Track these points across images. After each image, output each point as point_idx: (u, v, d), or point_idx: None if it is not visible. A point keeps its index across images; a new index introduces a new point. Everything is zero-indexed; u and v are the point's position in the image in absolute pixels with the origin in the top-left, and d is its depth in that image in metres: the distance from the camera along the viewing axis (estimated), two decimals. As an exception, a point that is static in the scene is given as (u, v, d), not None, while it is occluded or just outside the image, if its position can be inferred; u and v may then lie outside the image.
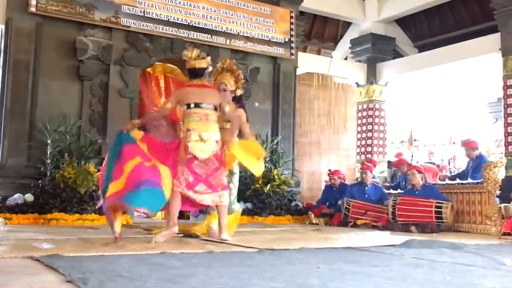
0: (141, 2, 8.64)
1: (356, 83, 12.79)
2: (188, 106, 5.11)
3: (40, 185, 7.42)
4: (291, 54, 10.08)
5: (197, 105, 5.09)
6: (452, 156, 12.00)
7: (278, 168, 9.21)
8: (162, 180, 4.91)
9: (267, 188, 8.84)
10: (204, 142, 5.00)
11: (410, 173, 7.62)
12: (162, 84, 9.61)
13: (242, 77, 5.91)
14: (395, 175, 10.91)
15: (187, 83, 5.39)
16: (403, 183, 8.80)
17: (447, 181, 8.00)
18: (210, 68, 5.34)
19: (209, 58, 5.34)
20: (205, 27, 9.16)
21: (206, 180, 5.09)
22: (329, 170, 9.45)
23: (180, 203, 5.08)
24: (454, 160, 11.75)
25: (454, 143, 12.63)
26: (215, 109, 5.19)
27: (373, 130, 12.40)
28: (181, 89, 5.40)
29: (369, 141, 12.38)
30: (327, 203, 8.95)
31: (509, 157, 8.99)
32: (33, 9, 7.86)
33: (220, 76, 5.77)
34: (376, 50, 12.37)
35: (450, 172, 10.65)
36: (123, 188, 4.77)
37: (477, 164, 7.70)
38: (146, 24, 8.66)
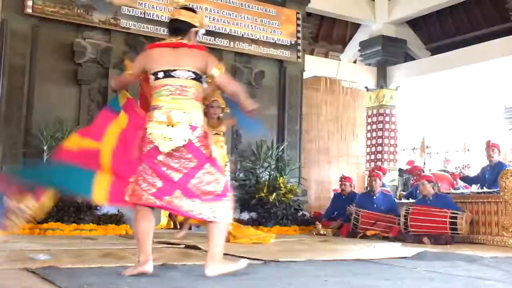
0: (141, 3, 8.50)
1: (366, 87, 12.67)
2: (156, 75, 3.47)
3: (35, 193, 7.20)
4: (298, 57, 9.91)
5: (167, 74, 3.45)
6: (466, 164, 11.72)
7: (284, 176, 9.04)
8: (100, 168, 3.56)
9: (273, 197, 8.65)
10: (172, 126, 3.36)
11: (420, 183, 7.47)
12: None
13: None
14: (407, 183, 10.66)
15: (157, 43, 3.71)
16: (416, 192, 8.56)
17: (462, 190, 7.78)
18: (202, 31, 3.71)
19: (202, 16, 3.79)
20: (208, 29, 8.90)
21: (183, 187, 3.39)
22: (342, 175, 9.28)
23: (150, 222, 3.44)
24: (468, 168, 11.46)
25: (468, 150, 12.38)
26: (197, 78, 3.51)
27: (384, 137, 12.25)
28: (148, 51, 3.61)
29: (379, 148, 12.20)
30: (335, 213, 8.79)
31: (527, 165, 8.70)
32: (29, 11, 7.73)
33: (212, 93, 5.49)
34: (387, 53, 12.26)
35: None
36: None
37: (497, 172, 7.42)
38: (146, 26, 8.52)
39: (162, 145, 3.34)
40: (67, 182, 3.51)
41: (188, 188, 3.37)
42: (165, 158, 3.37)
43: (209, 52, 3.63)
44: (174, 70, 3.44)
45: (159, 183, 3.37)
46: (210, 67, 3.52)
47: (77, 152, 3.59)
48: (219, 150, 5.91)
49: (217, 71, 3.53)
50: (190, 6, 3.76)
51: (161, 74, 3.44)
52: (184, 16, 3.60)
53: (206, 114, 5.91)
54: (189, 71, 3.46)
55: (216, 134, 6.05)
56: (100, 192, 3.47)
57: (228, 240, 5.32)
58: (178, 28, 3.57)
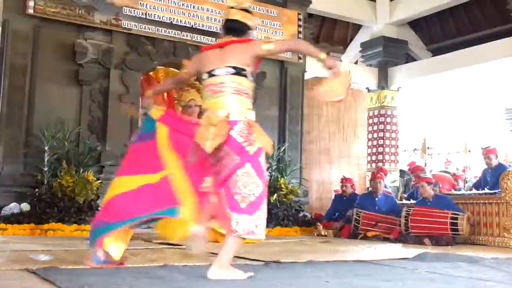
0: (143, 4, 8.48)
1: (367, 88, 12.64)
2: (203, 77, 3.51)
3: (36, 194, 7.25)
4: (299, 58, 9.89)
5: (210, 74, 3.43)
6: (467, 165, 11.69)
7: (285, 177, 9.05)
8: (178, 197, 3.49)
9: (274, 198, 8.66)
10: (214, 125, 3.27)
11: (420, 185, 7.45)
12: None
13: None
14: (408, 184, 10.64)
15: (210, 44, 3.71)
16: (417, 193, 8.54)
17: (463, 191, 7.77)
18: (253, 33, 3.64)
19: (254, 17, 3.68)
20: (209, 29, 8.97)
21: (223, 184, 3.32)
22: (343, 176, 9.24)
23: None
24: (468, 169, 11.44)
25: (469, 151, 12.34)
26: (237, 72, 3.39)
27: (385, 138, 12.22)
28: (202, 53, 3.61)
29: (380, 149, 12.17)
30: (336, 214, 8.75)
31: (528, 166, 8.69)
32: (30, 11, 7.72)
33: (187, 93, 5.55)
34: (388, 54, 12.23)
35: (466, 181, 10.35)
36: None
37: (499, 174, 7.41)
38: (148, 27, 8.50)
39: (205, 145, 3.26)
40: None
41: (227, 186, 3.27)
42: (213, 158, 3.33)
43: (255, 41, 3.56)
44: (215, 69, 3.41)
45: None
46: (258, 49, 3.45)
47: (139, 191, 3.53)
48: None
49: (268, 45, 3.46)
50: (249, 7, 3.68)
51: (205, 76, 3.46)
52: (245, 17, 3.56)
53: (184, 114, 5.99)
54: (227, 67, 3.39)
55: None
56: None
57: (216, 241, 5.28)
58: (235, 28, 3.52)
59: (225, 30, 3.56)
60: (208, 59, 3.47)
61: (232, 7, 3.56)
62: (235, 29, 3.51)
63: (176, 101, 6.12)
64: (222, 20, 3.64)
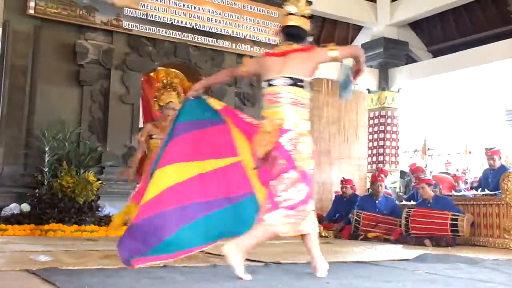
0: (144, 4, 8.49)
1: (368, 89, 12.61)
2: (263, 85, 3.55)
3: (37, 194, 7.27)
4: (300, 58, 9.78)
5: (269, 84, 3.46)
6: (466, 166, 11.68)
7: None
8: (252, 184, 3.55)
9: (274, 199, 8.54)
10: (269, 133, 3.36)
11: (420, 187, 7.40)
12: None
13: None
14: (409, 185, 10.62)
15: (270, 51, 3.67)
16: (417, 194, 8.52)
17: (463, 193, 7.74)
18: (310, 38, 3.65)
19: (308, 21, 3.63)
20: (210, 30, 8.97)
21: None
22: (343, 178, 9.21)
23: None
24: (468, 171, 11.43)
25: (470, 152, 12.33)
26: (294, 83, 3.42)
27: (385, 139, 12.19)
28: (263, 58, 3.64)
29: (381, 150, 12.14)
30: (336, 215, 8.72)
31: (528, 167, 8.66)
32: (31, 12, 7.76)
33: (167, 94, 5.63)
34: (389, 55, 12.19)
35: (466, 183, 10.33)
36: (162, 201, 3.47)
37: (501, 175, 7.41)
38: (148, 28, 8.52)
39: (257, 151, 3.38)
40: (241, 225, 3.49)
41: (272, 186, 3.34)
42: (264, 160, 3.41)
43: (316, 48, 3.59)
44: (273, 79, 3.45)
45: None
46: (323, 57, 3.50)
47: (220, 173, 3.59)
48: None
49: (334, 52, 3.49)
50: (308, 14, 3.66)
51: (265, 84, 3.50)
52: (305, 24, 3.58)
53: (160, 116, 6.17)
54: (285, 77, 3.42)
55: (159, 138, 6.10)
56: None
57: None
58: (298, 34, 3.55)
59: (285, 36, 3.58)
60: (268, 66, 3.51)
61: (292, 13, 3.58)
62: (297, 35, 3.54)
63: (155, 99, 6.11)
64: (280, 25, 3.65)
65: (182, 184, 3.55)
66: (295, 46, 3.49)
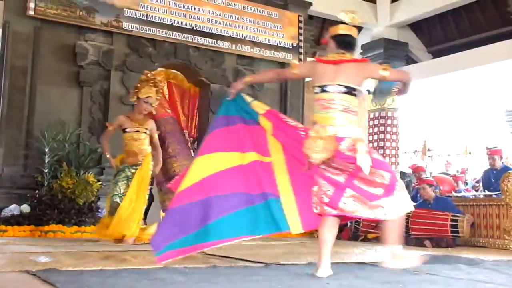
0: (144, 5, 8.47)
1: (367, 90, 12.56)
2: (315, 90, 3.71)
3: (37, 195, 7.24)
4: (300, 59, 9.85)
5: (322, 89, 3.61)
6: (466, 167, 11.65)
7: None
8: (278, 187, 3.63)
9: (274, 200, 8.53)
10: (322, 139, 3.48)
11: (421, 187, 7.39)
12: (166, 91, 9.40)
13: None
14: (409, 186, 10.60)
15: (323, 58, 3.81)
16: (418, 195, 8.50)
17: (463, 193, 7.73)
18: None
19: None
20: (210, 31, 8.95)
21: (351, 185, 3.55)
22: None
23: (331, 230, 3.59)
24: (467, 172, 11.40)
25: (470, 153, 12.31)
26: (348, 91, 3.58)
27: (385, 139, 12.19)
28: (315, 64, 3.80)
29: (381, 151, 12.14)
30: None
31: (528, 168, 8.65)
32: (31, 13, 7.72)
33: (147, 88, 5.93)
34: (388, 56, 12.20)
35: (466, 183, 10.33)
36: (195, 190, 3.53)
37: None
38: (148, 28, 8.49)
39: (312, 157, 3.44)
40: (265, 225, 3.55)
41: (356, 185, 3.49)
42: (325, 167, 3.51)
43: (369, 62, 3.93)
44: (327, 85, 3.59)
45: (330, 190, 3.51)
46: (374, 73, 3.70)
47: (258, 167, 3.69)
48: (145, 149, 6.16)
49: (385, 72, 3.66)
50: (359, 24, 3.86)
51: (318, 89, 3.64)
52: (355, 34, 3.74)
53: (135, 108, 6.26)
54: (340, 85, 3.56)
55: (138, 132, 6.15)
56: (294, 221, 3.58)
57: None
58: (350, 43, 3.69)
59: (337, 44, 3.70)
60: (321, 72, 3.65)
61: (345, 23, 3.73)
62: (349, 44, 3.69)
63: (135, 90, 6.11)
64: (331, 33, 3.76)
65: (224, 172, 3.65)
66: (348, 55, 3.66)
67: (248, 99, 4.01)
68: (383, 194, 3.50)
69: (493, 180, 7.75)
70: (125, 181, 6.09)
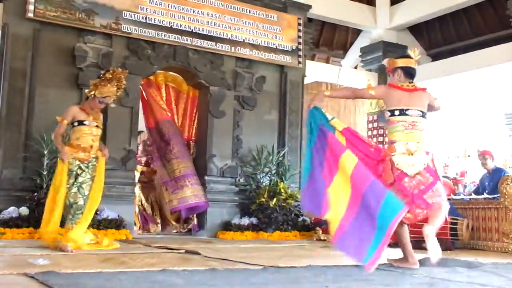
0: (143, 8, 8.45)
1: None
2: (392, 112, 4.57)
3: (35, 198, 7.20)
4: (299, 62, 9.83)
5: (402, 112, 4.52)
6: (465, 170, 11.64)
7: (285, 181, 9.00)
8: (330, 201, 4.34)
9: (273, 202, 8.60)
10: (412, 154, 4.43)
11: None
12: (163, 94, 9.43)
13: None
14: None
15: (395, 84, 4.69)
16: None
17: (462, 196, 7.74)
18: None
19: None
20: (209, 34, 8.94)
21: (420, 197, 4.43)
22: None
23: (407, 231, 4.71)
24: (466, 174, 11.39)
25: (469, 156, 12.30)
26: (423, 115, 4.61)
27: (384, 142, 12.12)
28: (389, 89, 4.68)
29: (380, 153, 12.08)
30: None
31: (527, 171, 8.67)
32: (30, 15, 7.69)
33: (109, 88, 5.79)
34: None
35: (465, 186, 10.32)
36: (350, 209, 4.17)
37: (498, 178, 7.41)
38: (148, 31, 8.47)
39: (408, 170, 4.43)
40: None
41: (424, 198, 4.44)
42: (410, 180, 4.43)
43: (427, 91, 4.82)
44: (408, 109, 4.55)
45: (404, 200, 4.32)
46: (433, 102, 4.78)
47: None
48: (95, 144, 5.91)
49: (437, 101, 4.82)
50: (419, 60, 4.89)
51: (397, 112, 4.55)
52: (415, 64, 4.78)
53: (88, 101, 5.95)
54: (418, 110, 4.58)
55: (96, 127, 5.96)
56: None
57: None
58: (414, 74, 4.78)
59: (405, 74, 4.71)
60: (397, 98, 4.60)
61: (412, 58, 4.77)
62: (414, 75, 4.77)
63: (94, 85, 5.83)
64: (399, 64, 4.71)
65: (356, 168, 4.31)
66: (413, 84, 4.72)
67: (329, 116, 4.76)
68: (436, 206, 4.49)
69: (486, 183, 7.76)
70: (90, 182, 5.80)
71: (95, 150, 5.89)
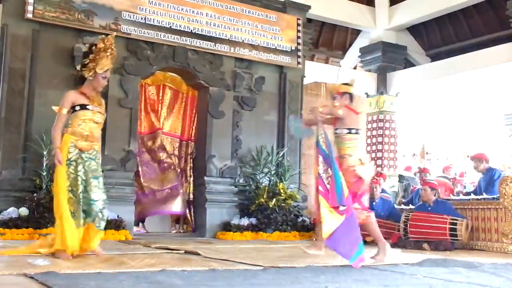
0: (142, 8, 8.43)
1: (366, 93, 12.61)
2: (350, 131, 5.25)
3: (35, 198, 7.18)
4: (298, 62, 9.81)
5: (357, 132, 5.32)
6: (464, 170, 11.64)
7: (284, 182, 9.00)
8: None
9: (273, 203, 8.58)
10: (363, 164, 5.22)
11: (422, 188, 7.39)
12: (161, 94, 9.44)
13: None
14: (407, 189, 10.59)
15: (351, 107, 5.35)
16: (416, 198, 8.50)
17: (461, 197, 7.74)
18: None
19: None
20: (208, 34, 8.93)
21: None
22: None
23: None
24: (465, 174, 11.39)
25: (468, 156, 12.29)
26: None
27: (384, 143, 12.19)
28: (348, 110, 5.29)
29: (379, 154, 12.14)
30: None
31: (527, 171, 8.67)
32: (30, 16, 7.66)
33: (106, 59, 5.02)
34: (387, 59, 12.20)
35: (465, 187, 10.32)
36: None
37: (489, 177, 7.49)
38: (147, 31, 8.45)
39: (366, 178, 5.31)
40: None
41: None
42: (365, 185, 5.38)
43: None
44: (360, 129, 5.47)
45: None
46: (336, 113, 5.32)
47: None
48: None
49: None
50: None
51: (354, 131, 5.28)
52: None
53: (89, 83, 5.06)
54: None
55: (99, 112, 5.10)
56: None
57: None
58: (352, 98, 5.49)
59: (351, 99, 5.37)
60: (357, 118, 5.33)
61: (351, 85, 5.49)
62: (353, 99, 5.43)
63: (91, 62, 4.98)
64: (348, 91, 5.42)
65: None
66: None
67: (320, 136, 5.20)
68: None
69: (481, 184, 7.77)
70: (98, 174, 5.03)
71: (97, 141, 5.06)
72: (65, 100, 4.94)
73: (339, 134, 5.22)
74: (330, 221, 4.81)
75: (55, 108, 5.01)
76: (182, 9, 8.75)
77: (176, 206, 9.02)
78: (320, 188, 4.99)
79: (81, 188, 4.85)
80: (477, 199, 7.27)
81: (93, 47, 5.05)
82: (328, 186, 4.94)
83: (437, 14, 11.37)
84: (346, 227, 4.79)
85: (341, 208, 4.82)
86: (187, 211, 9.32)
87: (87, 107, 4.94)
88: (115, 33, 5.73)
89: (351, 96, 5.39)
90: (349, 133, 5.21)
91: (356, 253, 4.64)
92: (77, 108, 4.92)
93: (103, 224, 5.02)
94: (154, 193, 9.02)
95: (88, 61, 5.02)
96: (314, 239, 6.03)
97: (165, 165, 9.19)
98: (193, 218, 9.29)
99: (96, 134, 5.04)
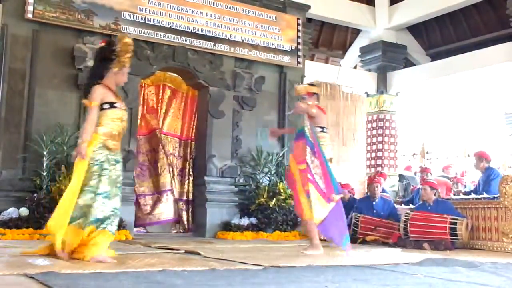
0: (142, 8, 8.44)
1: (366, 92, 12.61)
2: (322, 129, 5.75)
3: (35, 198, 7.20)
4: (298, 62, 9.82)
5: (325, 130, 5.80)
6: (465, 170, 11.64)
7: (284, 182, 8.94)
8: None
9: (273, 203, 8.59)
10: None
11: (423, 188, 7.39)
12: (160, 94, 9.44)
13: None
14: (407, 189, 10.59)
15: (318, 105, 5.87)
16: (417, 198, 8.51)
17: (462, 196, 7.74)
18: None
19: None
20: (208, 34, 8.93)
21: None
22: (339, 183, 9.13)
23: None
24: (466, 173, 11.39)
25: (468, 155, 12.30)
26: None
27: (384, 142, 12.18)
28: (318, 110, 5.81)
29: (379, 154, 12.14)
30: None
31: (527, 171, 8.68)
32: (30, 16, 7.67)
33: (130, 58, 4.93)
34: (387, 59, 12.19)
35: (465, 186, 10.32)
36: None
37: (487, 177, 7.52)
38: (147, 31, 8.46)
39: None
40: None
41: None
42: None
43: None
44: (326, 127, 6.03)
45: None
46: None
47: None
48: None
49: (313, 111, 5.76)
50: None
51: (325, 129, 5.96)
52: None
53: (112, 78, 4.85)
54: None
55: (125, 110, 4.83)
56: None
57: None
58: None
59: (318, 98, 5.97)
60: (323, 117, 5.83)
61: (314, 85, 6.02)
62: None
63: (123, 56, 4.89)
64: (316, 92, 6.03)
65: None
66: None
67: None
68: None
69: (480, 183, 7.79)
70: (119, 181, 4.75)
71: (120, 142, 4.80)
72: (95, 93, 4.64)
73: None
74: (320, 209, 5.27)
75: (84, 101, 4.74)
76: (182, 9, 8.76)
77: (168, 213, 9.15)
78: (308, 176, 5.34)
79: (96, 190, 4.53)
80: (477, 199, 7.27)
81: (116, 44, 4.90)
82: (315, 176, 5.34)
83: (437, 14, 11.36)
84: (335, 215, 5.37)
85: (335, 196, 5.26)
86: (185, 212, 9.33)
87: (115, 105, 4.69)
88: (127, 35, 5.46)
89: (318, 96, 5.90)
90: (322, 131, 5.66)
91: (345, 239, 5.31)
92: (106, 106, 4.65)
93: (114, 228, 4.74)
94: (145, 197, 9.06)
95: (120, 55, 4.87)
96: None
97: (160, 167, 9.18)
98: (190, 219, 9.31)
99: (123, 133, 4.81)
